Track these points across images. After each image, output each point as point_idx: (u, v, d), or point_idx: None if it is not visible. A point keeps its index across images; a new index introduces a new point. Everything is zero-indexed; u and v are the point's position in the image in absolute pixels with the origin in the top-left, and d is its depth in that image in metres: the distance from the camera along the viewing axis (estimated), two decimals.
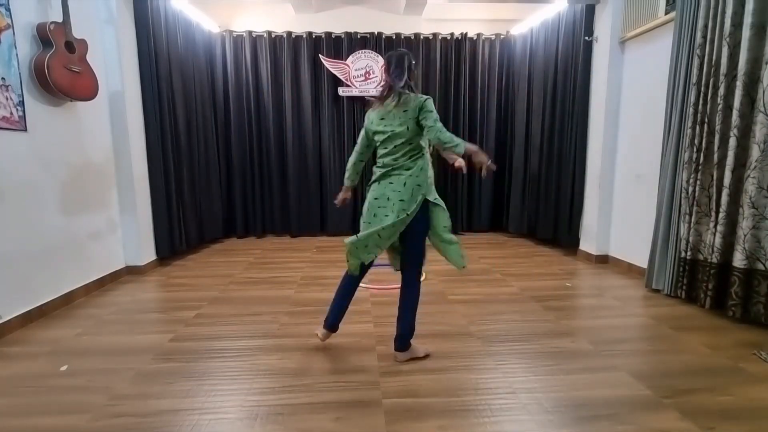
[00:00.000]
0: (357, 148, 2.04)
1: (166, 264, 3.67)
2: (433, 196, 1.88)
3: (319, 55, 4.63)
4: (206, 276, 3.34)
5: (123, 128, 3.24)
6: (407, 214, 1.80)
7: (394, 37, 4.68)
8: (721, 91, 2.39)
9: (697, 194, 2.56)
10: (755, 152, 2.22)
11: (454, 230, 5.05)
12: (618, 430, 1.44)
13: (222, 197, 4.69)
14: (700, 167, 2.54)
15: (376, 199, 1.88)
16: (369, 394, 1.67)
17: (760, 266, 2.25)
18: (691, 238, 2.61)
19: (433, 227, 1.90)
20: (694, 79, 2.56)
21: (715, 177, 2.47)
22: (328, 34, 4.63)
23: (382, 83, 2.60)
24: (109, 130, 3.21)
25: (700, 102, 2.53)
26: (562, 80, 3.98)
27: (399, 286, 1.97)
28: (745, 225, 2.27)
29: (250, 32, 4.56)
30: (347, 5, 4.79)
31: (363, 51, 4.63)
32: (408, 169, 1.83)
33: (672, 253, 2.73)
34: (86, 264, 2.92)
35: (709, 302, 2.45)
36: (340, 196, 2.19)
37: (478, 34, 4.78)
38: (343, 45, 4.65)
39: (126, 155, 3.27)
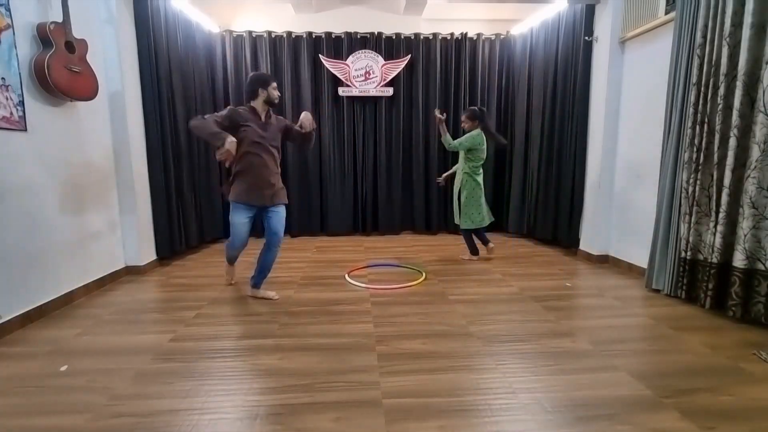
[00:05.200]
0: None
1: (166, 264, 3.66)
2: None
3: (319, 55, 4.63)
4: (206, 276, 3.34)
5: (123, 128, 3.24)
6: None
7: (394, 37, 4.68)
8: (721, 91, 2.39)
9: (697, 194, 2.56)
10: (755, 152, 2.22)
11: (453, 231, 5.06)
12: (618, 430, 1.44)
13: (222, 197, 4.69)
14: (700, 167, 2.54)
15: None
16: (369, 394, 1.66)
17: (761, 266, 2.25)
18: (691, 238, 2.61)
19: None
20: (694, 79, 2.56)
21: (715, 177, 2.47)
22: (328, 34, 4.63)
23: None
24: (109, 130, 3.21)
25: (700, 102, 2.53)
26: (562, 80, 3.98)
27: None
28: (745, 225, 2.28)
29: (250, 32, 4.56)
30: (347, 5, 4.79)
31: (363, 51, 4.63)
32: None
33: (672, 253, 2.73)
34: (86, 264, 2.92)
35: (709, 302, 2.46)
36: None
37: (478, 34, 4.78)
38: (343, 45, 4.65)
39: (126, 155, 3.27)
